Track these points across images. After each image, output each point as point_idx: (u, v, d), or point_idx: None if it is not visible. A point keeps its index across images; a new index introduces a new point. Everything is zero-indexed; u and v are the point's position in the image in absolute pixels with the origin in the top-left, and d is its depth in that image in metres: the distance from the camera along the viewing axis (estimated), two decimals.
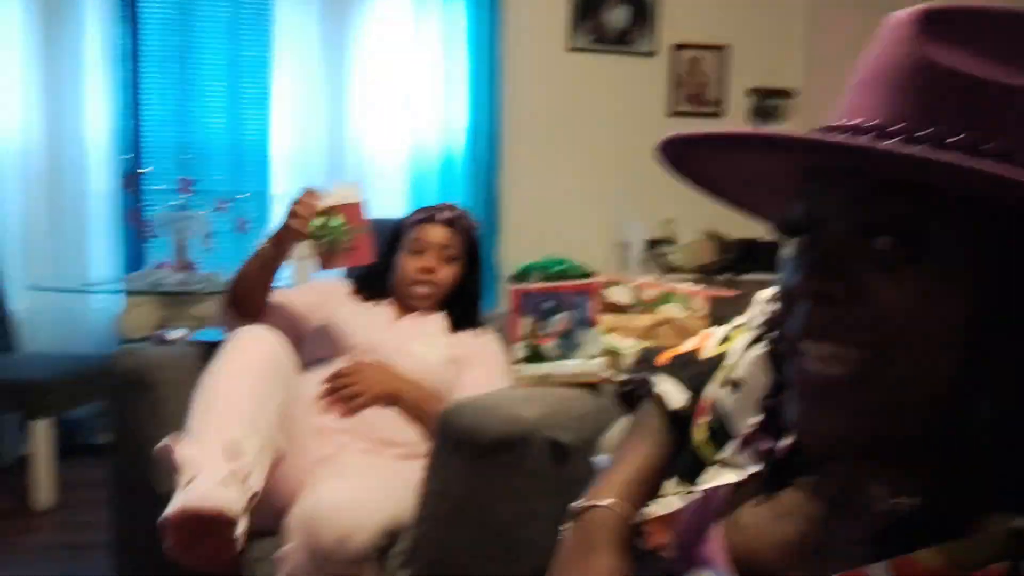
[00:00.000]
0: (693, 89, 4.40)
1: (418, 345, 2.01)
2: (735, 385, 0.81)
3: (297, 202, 1.86)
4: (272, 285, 1.97)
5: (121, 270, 3.81)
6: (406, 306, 2.13)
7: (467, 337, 2.11)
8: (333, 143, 4.00)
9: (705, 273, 4.04)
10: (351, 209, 1.89)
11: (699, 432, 0.82)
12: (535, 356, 1.71)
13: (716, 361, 0.90)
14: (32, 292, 3.64)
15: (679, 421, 0.92)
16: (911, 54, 0.57)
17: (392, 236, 2.18)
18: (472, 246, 2.17)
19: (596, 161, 4.30)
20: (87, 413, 3.74)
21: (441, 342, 2.06)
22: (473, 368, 2.02)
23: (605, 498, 0.87)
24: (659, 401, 0.95)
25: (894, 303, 0.55)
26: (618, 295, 1.87)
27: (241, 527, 1.42)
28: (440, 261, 2.10)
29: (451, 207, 2.18)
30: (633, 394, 1.04)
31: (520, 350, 1.73)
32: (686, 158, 0.68)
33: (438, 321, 2.12)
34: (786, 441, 0.70)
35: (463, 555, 1.53)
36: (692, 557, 0.72)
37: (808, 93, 4.43)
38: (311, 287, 2.18)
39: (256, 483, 1.48)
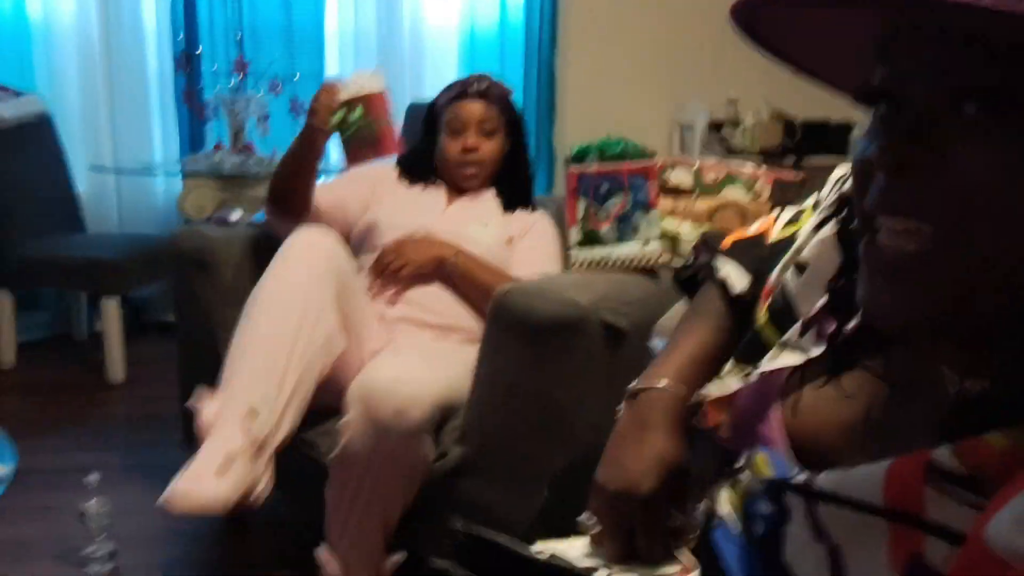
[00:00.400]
0: None
1: (472, 228, 1.98)
2: (801, 267, 0.77)
3: (316, 97, 1.81)
4: (313, 181, 1.93)
5: (180, 151, 3.84)
6: (456, 188, 2.08)
7: (521, 215, 2.07)
8: (390, 22, 3.92)
9: (769, 155, 3.92)
10: (373, 100, 1.81)
11: (762, 315, 0.79)
12: (592, 239, 1.69)
13: (785, 244, 0.86)
14: (95, 173, 3.70)
15: (741, 306, 0.90)
16: None
17: (429, 118, 2.11)
18: (511, 114, 2.08)
19: (657, 38, 4.15)
20: (153, 292, 3.85)
21: (495, 222, 2.02)
22: (524, 245, 2.00)
23: (662, 379, 0.86)
24: (721, 285, 0.93)
25: (979, 175, 0.51)
26: (679, 177, 1.82)
27: (261, 486, 1.47)
28: (480, 136, 2.02)
29: (481, 78, 2.08)
30: (694, 279, 1.02)
31: (576, 233, 1.70)
32: (758, 22, 0.62)
33: (490, 202, 2.08)
34: (852, 324, 0.67)
35: (516, 436, 1.56)
36: (750, 437, 0.71)
37: None
38: (358, 175, 2.11)
39: (283, 431, 1.53)
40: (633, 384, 0.88)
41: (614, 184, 1.63)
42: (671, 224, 1.75)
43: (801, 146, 4.01)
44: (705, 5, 4.13)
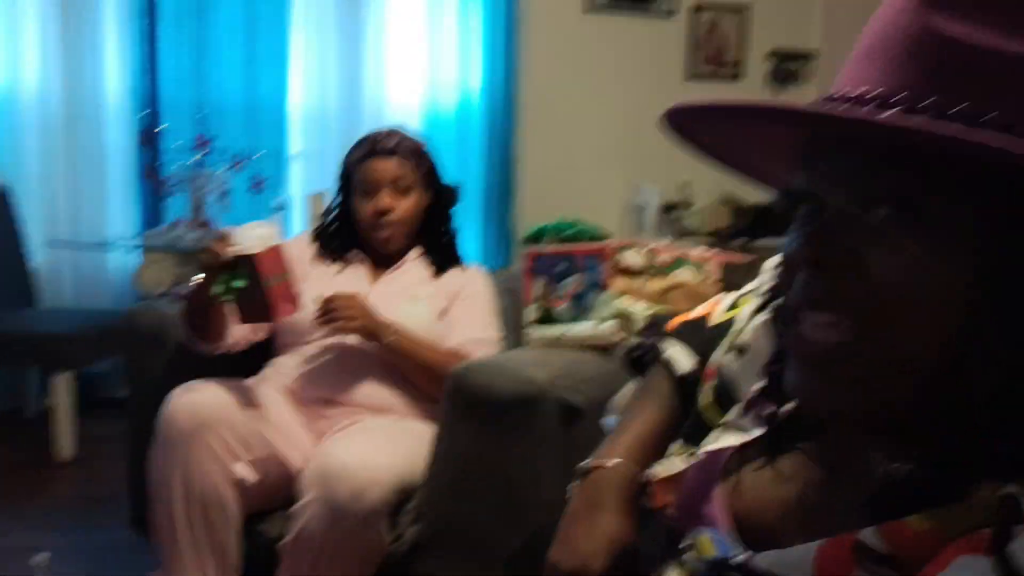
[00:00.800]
0: (712, 51, 4.36)
1: (403, 308, 1.88)
2: (740, 350, 0.82)
3: (203, 251, 1.66)
4: (222, 312, 1.77)
5: (138, 227, 3.84)
6: (378, 258, 1.99)
7: (452, 277, 1.99)
8: (350, 102, 3.99)
9: (719, 238, 4.03)
10: (263, 258, 1.61)
11: (704, 396, 0.83)
12: (547, 318, 1.72)
13: (724, 327, 0.91)
14: (51, 248, 3.68)
15: (686, 386, 0.94)
16: (913, 23, 0.56)
17: (342, 178, 2.01)
18: (427, 166, 1.98)
19: (612, 123, 4.28)
20: (106, 368, 3.79)
21: (425, 294, 1.94)
22: (458, 310, 1.94)
23: (612, 458, 0.89)
24: (667, 366, 0.97)
25: (891, 273, 0.55)
26: (631, 258, 1.88)
27: None
28: (395, 196, 1.92)
29: (391, 133, 1.97)
30: (642, 359, 1.06)
31: (532, 312, 1.74)
32: (692, 127, 0.68)
33: (416, 270, 1.99)
34: (788, 406, 0.71)
35: (472, 514, 1.56)
36: (695, 517, 0.73)
37: (828, 56, 4.37)
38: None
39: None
40: (584, 463, 0.91)
41: (569, 265, 1.68)
42: (624, 304, 1.79)
43: (751, 229, 4.13)
44: (657, 90, 4.29)
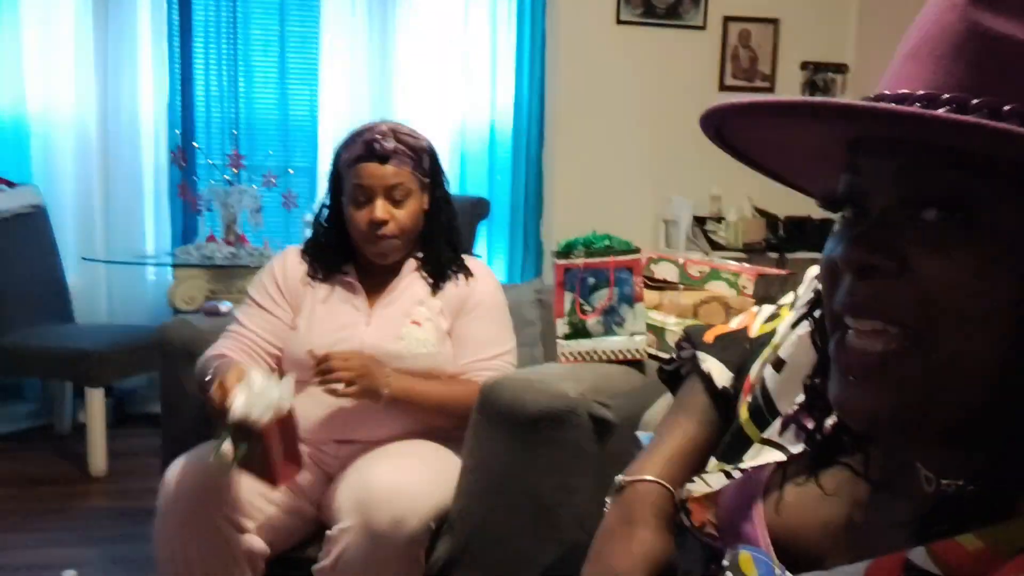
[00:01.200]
0: (744, 63, 4.33)
1: (406, 340, 1.73)
2: (779, 364, 0.79)
3: (209, 393, 1.53)
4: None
5: (172, 243, 3.88)
6: (372, 269, 1.80)
7: (455, 289, 1.80)
8: (383, 117, 4.01)
9: (752, 251, 3.99)
10: (275, 427, 1.45)
11: (743, 411, 0.81)
12: (578, 332, 1.70)
13: (764, 340, 0.89)
14: (86, 264, 3.72)
15: (724, 400, 0.91)
16: (960, 21, 0.55)
17: (333, 182, 1.81)
18: (428, 169, 1.78)
19: (644, 137, 4.26)
20: (139, 383, 3.82)
21: (427, 317, 1.76)
22: (465, 328, 1.78)
23: (648, 474, 0.87)
24: (705, 379, 0.94)
25: (941, 279, 0.53)
26: (664, 272, 1.86)
27: None
28: (392, 205, 1.72)
29: (386, 133, 1.74)
30: (677, 372, 1.03)
31: (563, 325, 1.72)
32: (730, 130, 0.66)
33: (416, 286, 1.79)
34: (830, 421, 0.68)
35: (503, 528, 1.54)
36: (734, 535, 0.71)
37: (861, 67, 4.33)
38: (265, 296, 1.81)
39: None
40: (620, 477, 0.89)
41: (600, 278, 1.66)
42: (657, 317, 1.77)
43: (784, 241, 4.08)
44: (689, 103, 4.26)
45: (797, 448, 0.71)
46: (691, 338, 0.99)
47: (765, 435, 0.75)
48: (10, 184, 3.49)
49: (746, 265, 1.88)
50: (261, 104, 3.97)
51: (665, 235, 4.21)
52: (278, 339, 1.78)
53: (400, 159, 1.73)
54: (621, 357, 1.66)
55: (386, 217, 1.72)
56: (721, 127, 0.65)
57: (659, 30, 4.23)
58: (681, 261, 1.86)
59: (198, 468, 1.56)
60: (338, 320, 1.76)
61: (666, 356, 1.71)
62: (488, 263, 4.16)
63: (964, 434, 0.57)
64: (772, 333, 0.88)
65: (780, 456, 0.71)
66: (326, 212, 1.84)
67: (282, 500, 1.63)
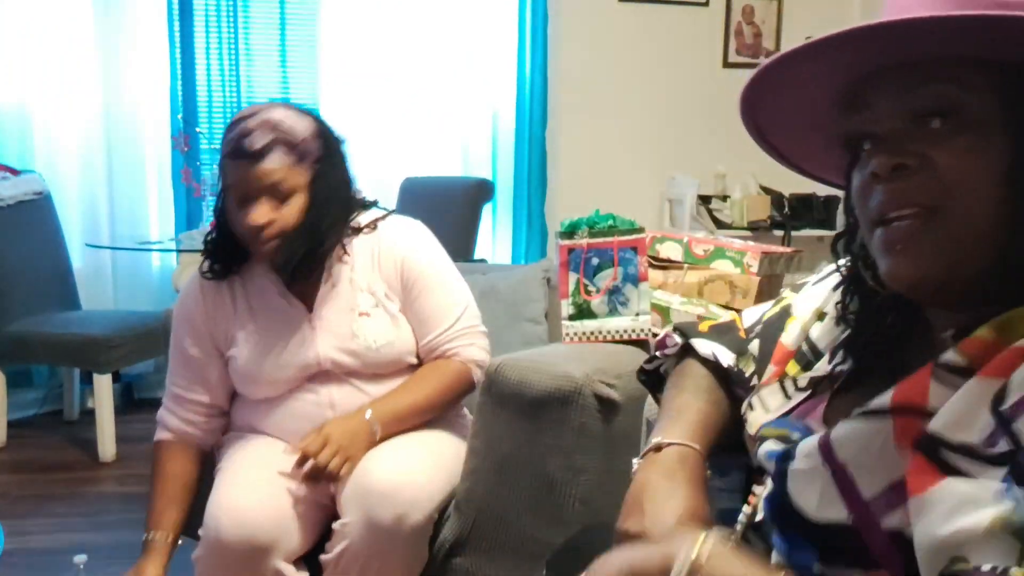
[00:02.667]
0: (748, 39, 4.30)
1: (359, 334, 1.62)
2: (822, 316, 0.90)
3: None
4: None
5: (176, 228, 3.88)
6: (296, 276, 1.62)
7: (383, 261, 1.66)
8: (383, 103, 4.00)
9: (757, 229, 3.98)
10: None
11: (791, 366, 0.89)
12: (583, 312, 1.70)
13: (775, 321, 0.97)
14: (91, 251, 3.73)
15: (728, 379, 0.98)
16: None
17: (220, 178, 1.63)
18: (316, 155, 1.56)
19: (647, 115, 4.24)
20: (147, 369, 3.84)
21: (375, 302, 1.64)
22: (414, 296, 1.66)
23: (680, 439, 0.90)
24: (707, 362, 1.00)
25: (952, 166, 0.68)
26: (669, 251, 1.85)
27: None
28: (274, 205, 1.53)
29: (263, 123, 1.52)
30: (657, 372, 1.10)
31: (568, 306, 1.71)
32: (757, 106, 0.79)
33: (349, 277, 1.65)
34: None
35: (509, 509, 1.54)
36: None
37: None
38: (185, 340, 1.69)
39: None
40: (656, 438, 0.91)
41: (604, 258, 1.65)
42: (662, 297, 1.77)
43: (789, 219, 4.07)
44: (693, 80, 4.24)
45: (842, 366, 0.82)
46: (684, 331, 1.05)
47: (815, 369, 0.86)
48: (14, 171, 3.49)
49: (751, 243, 1.87)
50: (262, 88, 3.96)
51: (669, 214, 4.20)
52: (223, 383, 1.70)
53: (278, 154, 1.51)
54: (626, 337, 1.65)
55: (266, 220, 1.52)
56: (753, 111, 0.80)
57: (662, 7, 4.20)
58: (686, 240, 1.85)
59: (250, 507, 1.50)
60: (280, 339, 1.62)
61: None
62: (492, 244, 4.15)
63: (982, 295, 0.70)
64: (786, 311, 0.96)
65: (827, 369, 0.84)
66: (219, 221, 1.64)
67: (320, 519, 1.60)
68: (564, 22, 4.10)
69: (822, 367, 0.85)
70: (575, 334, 1.68)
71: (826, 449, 0.70)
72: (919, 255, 0.69)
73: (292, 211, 1.54)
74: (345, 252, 1.65)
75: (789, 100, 0.78)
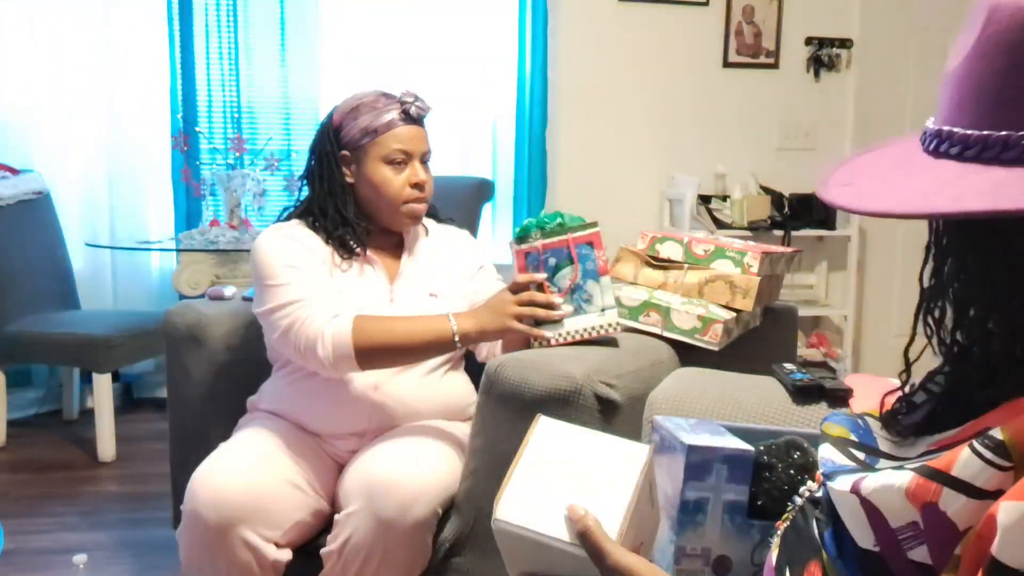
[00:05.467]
0: (748, 39, 4.29)
1: (429, 306, 1.72)
2: None
3: None
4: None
5: (176, 228, 3.88)
6: (381, 249, 1.79)
7: (459, 249, 1.88)
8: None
9: (758, 229, 3.97)
10: None
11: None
12: None
13: None
14: (90, 250, 3.73)
15: None
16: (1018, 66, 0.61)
17: (328, 151, 1.75)
18: None
19: (647, 115, 4.24)
20: (146, 369, 3.84)
21: (445, 285, 1.80)
22: (490, 279, 1.87)
23: None
24: None
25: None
26: (669, 251, 1.85)
27: None
28: (424, 167, 1.77)
29: (414, 95, 1.78)
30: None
31: None
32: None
33: (426, 258, 1.82)
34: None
35: None
36: None
37: (865, 42, 4.29)
38: (296, 259, 1.70)
39: None
40: None
41: (561, 257, 1.60)
42: (662, 297, 1.76)
43: (789, 219, 4.07)
44: (693, 80, 4.24)
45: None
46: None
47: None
48: (13, 171, 3.49)
49: (751, 243, 1.87)
50: (262, 88, 3.96)
51: (669, 214, 4.20)
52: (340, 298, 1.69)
53: (423, 122, 1.78)
54: (595, 335, 1.62)
55: (426, 179, 1.75)
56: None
57: (662, 7, 4.20)
58: (686, 240, 1.85)
59: (226, 480, 1.53)
60: (363, 304, 1.69)
61: (669, 335, 1.71)
62: (492, 244, 4.16)
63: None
64: None
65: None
66: (336, 188, 1.75)
67: (306, 503, 1.62)
68: (564, 22, 4.10)
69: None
70: (548, 341, 1.62)
71: (855, 488, 0.69)
72: None
73: (431, 176, 1.78)
74: (426, 231, 1.86)
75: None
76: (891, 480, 0.66)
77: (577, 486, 0.80)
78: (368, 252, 1.77)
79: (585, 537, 0.76)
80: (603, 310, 1.61)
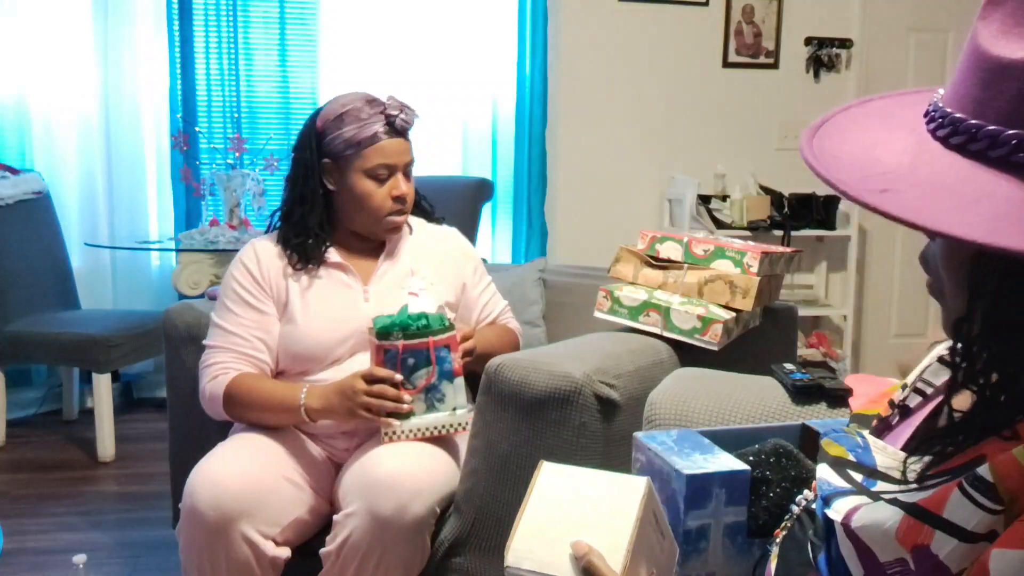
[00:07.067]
0: (748, 39, 4.29)
1: (405, 303, 1.72)
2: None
3: None
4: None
5: (176, 228, 3.88)
6: (356, 253, 1.80)
7: (444, 250, 1.87)
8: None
9: (757, 228, 3.98)
10: None
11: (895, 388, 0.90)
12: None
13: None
14: (90, 250, 3.73)
15: None
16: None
17: (308, 158, 1.73)
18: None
19: (647, 115, 4.24)
20: (146, 368, 3.84)
21: (422, 286, 1.79)
22: (480, 283, 1.92)
23: None
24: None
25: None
26: (669, 251, 1.85)
27: None
28: (406, 178, 1.76)
29: (399, 105, 1.74)
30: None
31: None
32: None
33: (406, 260, 1.82)
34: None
35: (508, 509, 1.54)
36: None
37: (865, 42, 4.29)
38: (247, 294, 1.74)
39: None
40: None
41: (420, 358, 1.61)
42: (661, 297, 1.76)
43: (789, 219, 4.07)
44: (693, 80, 4.24)
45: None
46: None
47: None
48: (13, 171, 3.49)
49: (751, 243, 1.87)
50: (262, 87, 3.95)
51: (669, 214, 4.20)
52: (271, 337, 1.75)
53: (407, 134, 1.76)
54: (445, 432, 1.64)
55: (408, 191, 1.75)
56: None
57: (662, 7, 4.20)
58: (685, 240, 1.85)
59: (225, 476, 1.53)
60: (333, 304, 1.74)
61: (669, 335, 1.70)
62: (492, 244, 4.16)
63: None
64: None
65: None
66: (307, 195, 1.75)
67: (304, 500, 1.63)
68: (564, 21, 4.09)
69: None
70: (395, 433, 1.60)
71: (846, 520, 0.70)
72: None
73: (412, 186, 1.78)
74: (411, 230, 1.85)
75: None
76: (881, 518, 0.66)
77: (581, 524, 0.81)
78: (337, 256, 1.78)
79: (589, 573, 0.76)
80: (455, 409, 1.64)
